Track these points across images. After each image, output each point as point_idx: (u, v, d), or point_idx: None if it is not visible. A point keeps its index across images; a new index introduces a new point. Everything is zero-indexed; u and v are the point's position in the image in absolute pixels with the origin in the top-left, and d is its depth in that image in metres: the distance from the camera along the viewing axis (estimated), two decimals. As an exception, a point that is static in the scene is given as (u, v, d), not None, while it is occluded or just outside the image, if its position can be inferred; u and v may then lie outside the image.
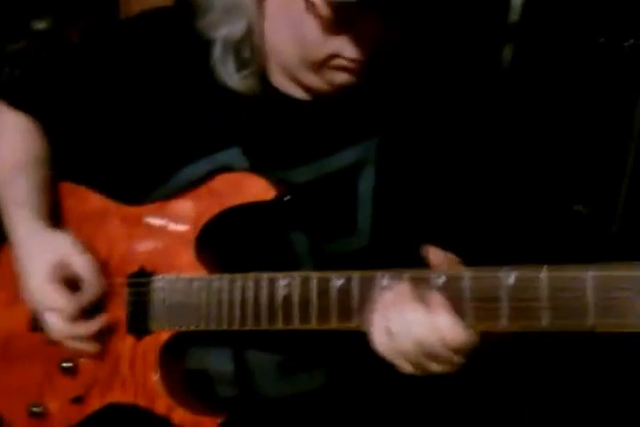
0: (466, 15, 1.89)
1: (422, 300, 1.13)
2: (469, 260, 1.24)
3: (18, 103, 1.58)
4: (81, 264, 1.42)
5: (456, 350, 1.13)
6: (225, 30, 1.38)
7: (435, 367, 1.17)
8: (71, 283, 1.42)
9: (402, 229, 1.43)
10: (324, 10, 1.25)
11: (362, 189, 1.43)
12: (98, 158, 1.59)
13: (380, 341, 1.17)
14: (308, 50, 1.31)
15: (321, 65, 1.33)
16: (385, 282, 1.17)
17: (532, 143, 1.74)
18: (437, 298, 1.12)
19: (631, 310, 1.01)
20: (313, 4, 1.25)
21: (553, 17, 2.07)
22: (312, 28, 1.28)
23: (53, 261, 1.42)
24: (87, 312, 1.43)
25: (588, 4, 2.04)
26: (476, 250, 1.38)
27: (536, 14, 2.08)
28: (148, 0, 2.56)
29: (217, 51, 1.41)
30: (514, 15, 2.07)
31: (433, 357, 1.14)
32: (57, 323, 1.41)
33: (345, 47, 1.29)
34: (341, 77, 1.34)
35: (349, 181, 1.43)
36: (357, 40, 1.28)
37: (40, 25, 2.90)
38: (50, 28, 2.90)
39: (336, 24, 1.26)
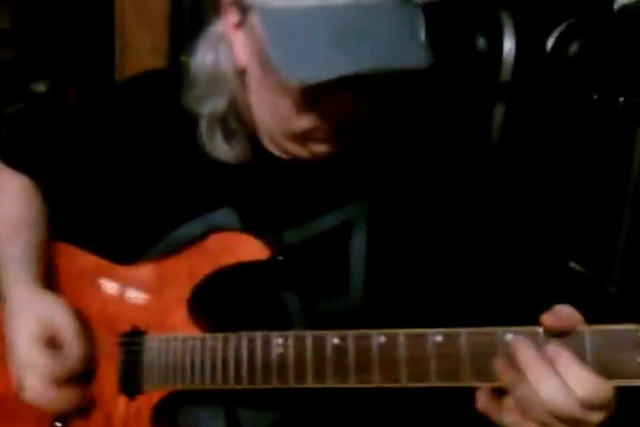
0: (453, 76, 1.91)
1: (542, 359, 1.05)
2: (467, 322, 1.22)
3: (18, 164, 1.62)
4: (65, 328, 1.42)
5: (595, 408, 1.03)
6: (209, 105, 1.40)
7: None
8: (57, 345, 1.42)
9: (395, 290, 1.43)
10: (292, 89, 1.23)
11: (354, 250, 1.43)
12: (92, 218, 1.61)
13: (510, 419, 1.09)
14: (286, 124, 1.32)
15: (301, 137, 1.33)
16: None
17: (526, 200, 1.74)
18: (560, 354, 1.04)
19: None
20: (282, 84, 1.23)
21: (545, 74, 2.08)
22: (285, 106, 1.28)
23: (39, 322, 1.42)
24: (73, 377, 1.42)
25: (581, 62, 2.06)
26: (475, 312, 1.37)
27: (527, 72, 2.09)
28: (143, 63, 2.62)
29: (203, 125, 1.42)
30: (505, 74, 2.08)
31: (572, 422, 1.03)
32: (35, 384, 1.40)
33: (318, 122, 1.28)
34: (322, 148, 1.34)
35: (341, 241, 1.43)
36: (329, 115, 1.27)
37: (39, 87, 2.95)
38: (49, 91, 2.95)
39: (306, 101, 1.25)
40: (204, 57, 1.39)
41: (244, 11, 1.26)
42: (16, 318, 1.45)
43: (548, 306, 1.08)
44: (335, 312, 1.41)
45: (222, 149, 1.42)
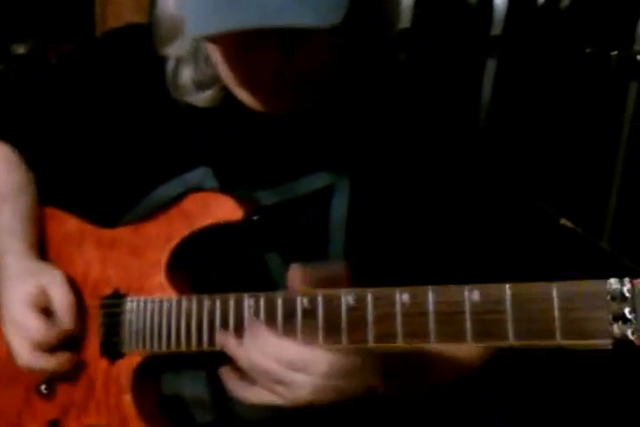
0: (444, 31, 1.89)
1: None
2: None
3: None
4: (59, 299, 1.43)
5: (294, 368, 1.17)
6: (175, 47, 1.37)
7: (283, 391, 1.19)
8: (49, 313, 1.43)
9: (375, 257, 1.40)
10: (213, 46, 1.25)
11: (334, 216, 1.40)
12: (73, 182, 1.60)
13: None
14: (228, 74, 1.29)
15: (244, 87, 1.30)
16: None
17: (515, 156, 1.72)
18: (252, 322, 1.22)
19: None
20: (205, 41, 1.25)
21: (536, 29, 2.06)
22: (218, 59, 1.27)
23: (35, 289, 1.42)
24: (61, 344, 1.43)
25: (573, 15, 2.03)
26: (458, 272, 1.35)
27: (519, 27, 2.07)
28: (124, 20, 2.58)
29: (169, 65, 1.40)
30: (496, 28, 2.06)
31: (276, 380, 1.19)
32: (23, 348, 1.41)
33: (251, 76, 1.26)
34: (269, 100, 1.31)
35: (321, 206, 1.40)
36: (260, 69, 1.24)
37: (20, 49, 2.94)
38: (29, 52, 2.94)
39: (233, 57, 1.24)
40: None
41: None
42: (12, 283, 1.45)
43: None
44: None
45: (189, 90, 1.39)
